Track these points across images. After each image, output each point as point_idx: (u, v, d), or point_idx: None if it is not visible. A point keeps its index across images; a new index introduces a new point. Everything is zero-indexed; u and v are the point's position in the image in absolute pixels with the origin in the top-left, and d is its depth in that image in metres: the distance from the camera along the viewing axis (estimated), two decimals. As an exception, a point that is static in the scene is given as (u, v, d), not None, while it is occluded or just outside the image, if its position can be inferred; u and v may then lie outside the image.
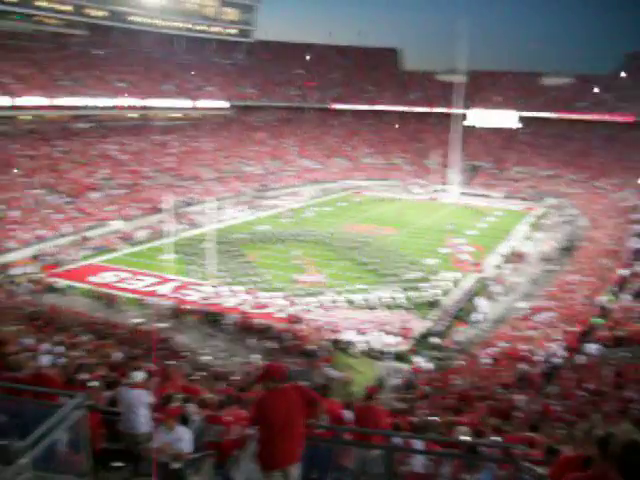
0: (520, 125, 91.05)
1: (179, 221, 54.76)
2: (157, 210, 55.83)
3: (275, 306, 36.17)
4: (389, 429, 8.61)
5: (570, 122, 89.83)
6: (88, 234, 49.58)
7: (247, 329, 32.42)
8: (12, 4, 72.13)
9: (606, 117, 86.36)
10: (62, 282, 39.80)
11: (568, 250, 49.98)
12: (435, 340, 31.32)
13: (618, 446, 3.54)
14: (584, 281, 36.69)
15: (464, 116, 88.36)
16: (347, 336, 31.66)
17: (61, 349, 16.56)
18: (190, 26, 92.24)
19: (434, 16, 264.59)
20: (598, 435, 3.71)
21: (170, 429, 7.80)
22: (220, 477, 8.35)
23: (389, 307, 36.39)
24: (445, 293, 39.00)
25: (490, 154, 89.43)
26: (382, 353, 30.22)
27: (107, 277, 41.49)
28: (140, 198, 59.12)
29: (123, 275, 41.93)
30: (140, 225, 53.92)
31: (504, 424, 11.72)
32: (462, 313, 35.79)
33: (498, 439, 9.39)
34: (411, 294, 38.28)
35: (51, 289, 38.76)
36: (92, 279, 40.83)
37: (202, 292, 38.60)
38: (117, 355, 18.62)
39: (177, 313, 35.12)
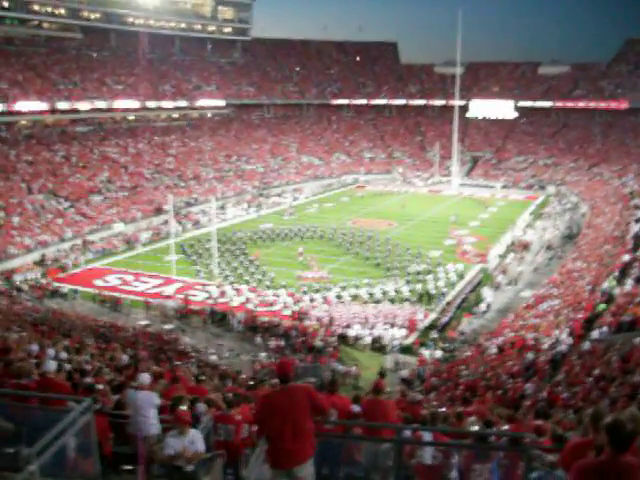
0: (516, 114, 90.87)
1: (181, 222, 54.80)
2: (159, 211, 55.87)
3: (280, 303, 36.19)
4: (398, 422, 8.61)
5: (569, 110, 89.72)
6: (90, 238, 49.60)
7: (253, 327, 32.45)
8: (7, 9, 71.98)
9: (604, 104, 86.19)
10: (66, 287, 39.83)
11: (570, 238, 49.95)
12: (435, 335, 31.28)
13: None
14: (587, 268, 36.65)
15: (465, 107, 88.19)
16: (353, 331, 31.68)
17: (67, 354, 16.55)
18: (186, 26, 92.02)
19: (431, 8, 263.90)
20: (607, 421, 3.71)
21: (183, 433, 7.79)
22: (231, 477, 8.36)
23: (394, 300, 36.38)
24: (450, 284, 38.98)
25: (490, 144, 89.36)
26: (388, 346, 30.26)
27: (111, 280, 41.53)
28: (141, 200, 59.14)
29: (127, 278, 41.95)
30: (142, 227, 53.94)
31: (513, 413, 11.71)
32: (467, 304, 35.81)
33: (507, 428, 9.38)
34: (416, 287, 38.27)
35: (55, 294, 38.82)
36: (96, 282, 40.86)
37: (207, 292, 38.61)
38: (123, 358, 18.63)
39: (182, 314, 35.17)
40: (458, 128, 79.42)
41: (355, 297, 36.97)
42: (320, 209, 64.06)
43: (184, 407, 8.98)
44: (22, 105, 64.28)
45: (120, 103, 74.41)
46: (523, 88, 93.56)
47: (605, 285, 29.19)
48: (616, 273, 30.83)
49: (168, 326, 32.81)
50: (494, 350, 24.90)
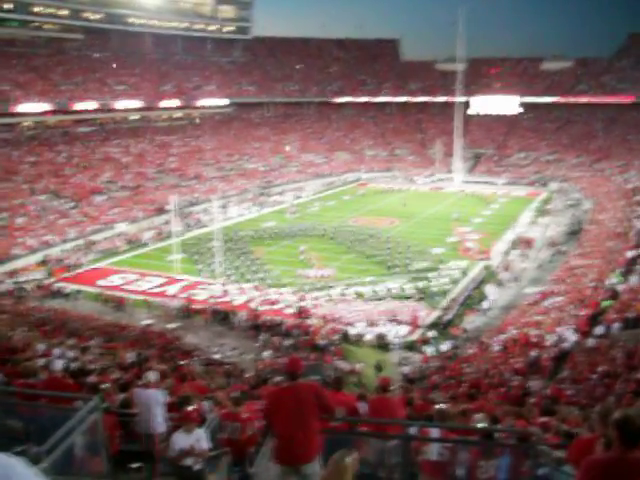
0: (521, 110, 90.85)
1: (184, 221, 54.83)
2: (162, 211, 55.91)
3: (284, 302, 36.21)
4: (404, 419, 8.63)
5: (571, 106, 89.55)
6: (94, 238, 49.65)
7: (257, 326, 32.48)
8: (9, 11, 72.15)
9: (607, 99, 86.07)
10: (70, 286, 39.88)
11: (574, 234, 49.89)
12: (434, 334, 31.21)
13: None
14: (591, 264, 36.63)
15: (466, 104, 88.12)
16: (357, 328, 31.70)
17: (73, 353, 16.60)
18: (187, 25, 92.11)
19: (432, 4, 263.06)
20: (616, 417, 3.72)
21: (189, 431, 7.82)
22: (238, 474, 8.38)
23: (398, 298, 36.40)
24: (453, 282, 38.99)
25: (492, 141, 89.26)
26: (392, 344, 30.26)
27: (115, 280, 41.57)
28: (144, 199, 59.19)
29: (131, 277, 42.00)
30: (145, 226, 54.00)
31: (518, 410, 11.72)
32: (471, 301, 35.80)
33: (513, 425, 9.39)
34: (419, 284, 38.29)
35: (59, 294, 38.87)
36: (100, 282, 40.92)
37: (211, 291, 38.66)
38: (129, 357, 18.67)
39: (186, 313, 35.21)
40: (460, 125, 79.39)
41: (358, 295, 37.00)
42: (322, 207, 64.07)
43: (191, 406, 9.02)
44: (24, 106, 64.45)
45: (122, 103, 74.53)
46: (525, 84, 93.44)
47: (609, 281, 29.19)
48: (620, 269, 30.83)
49: (171, 325, 32.85)
50: (498, 347, 24.90)
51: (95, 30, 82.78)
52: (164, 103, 79.72)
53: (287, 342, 30.07)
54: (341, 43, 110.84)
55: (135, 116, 78.26)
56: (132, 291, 39.11)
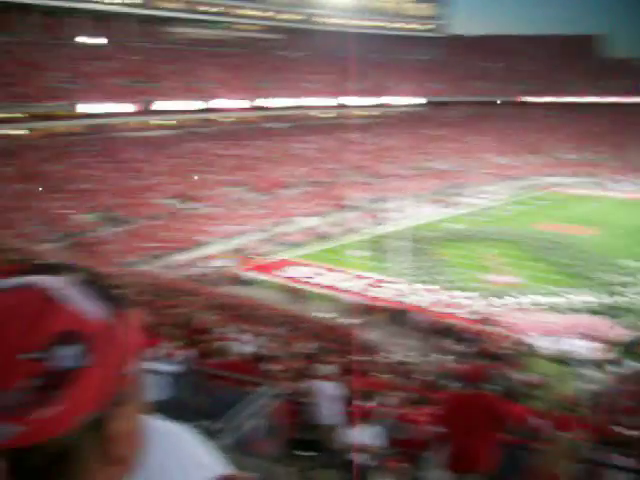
0: None
1: (371, 218, 55.37)
2: (350, 207, 56.84)
3: (466, 307, 35.46)
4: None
5: None
6: (282, 230, 51.50)
7: (437, 329, 32.07)
8: (216, 14, 77.28)
9: None
10: (257, 275, 41.65)
11: None
12: (622, 353, 28.95)
13: None
14: None
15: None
16: (539, 341, 30.33)
17: (258, 340, 17.27)
18: (384, 24, 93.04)
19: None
20: None
21: (364, 427, 7.81)
22: (407, 477, 8.23)
23: (586, 312, 34.33)
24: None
25: None
26: (576, 360, 28.62)
27: (299, 272, 42.78)
28: (333, 195, 60.44)
29: (315, 270, 43.02)
30: (333, 222, 55.13)
31: None
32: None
33: None
34: (611, 299, 35.86)
35: (246, 282, 40.75)
36: (285, 273, 42.25)
37: (393, 290, 38.67)
38: (309, 348, 19.11)
39: (367, 310, 35.48)
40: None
41: (544, 305, 35.38)
42: (513, 212, 61.95)
43: (367, 401, 9.01)
44: (224, 103, 68.42)
45: (316, 101, 76.77)
46: None
47: None
48: None
49: (351, 321, 33.24)
50: None
51: (293, 30, 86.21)
52: (357, 101, 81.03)
53: (466, 348, 29.43)
54: (538, 40, 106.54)
55: (329, 114, 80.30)
56: (315, 284, 40.02)
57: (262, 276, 41.49)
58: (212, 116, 68.89)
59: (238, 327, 18.27)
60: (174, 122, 66.43)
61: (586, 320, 32.95)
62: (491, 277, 40.29)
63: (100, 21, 68.34)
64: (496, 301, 35.86)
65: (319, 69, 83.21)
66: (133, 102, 60.94)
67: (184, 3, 73.97)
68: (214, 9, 76.68)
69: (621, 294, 36.37)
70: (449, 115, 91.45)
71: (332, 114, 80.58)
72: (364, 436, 7.73)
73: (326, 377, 9.40)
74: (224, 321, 18.91)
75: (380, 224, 55.38)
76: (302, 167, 65.19)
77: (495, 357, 27.80)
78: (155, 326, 11.22)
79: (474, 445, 5.50)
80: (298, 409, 9.40)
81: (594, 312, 34.11)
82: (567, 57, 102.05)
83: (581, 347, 29.28)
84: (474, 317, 33.64)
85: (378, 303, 35.95)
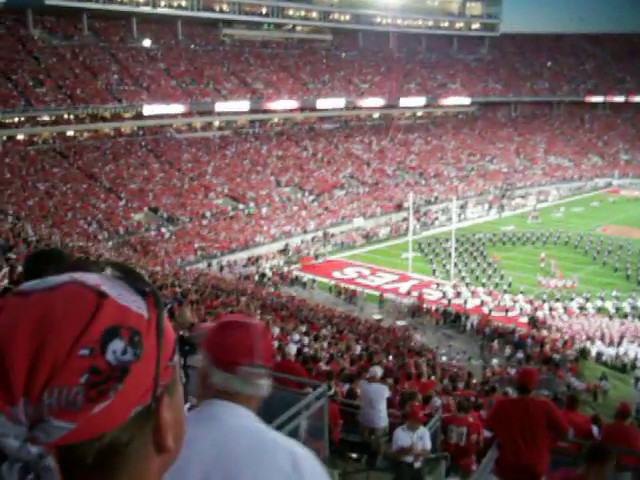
0: None
1: (421, 219, 55.07)
2: (399, 208, 56.63)
3: (518, 309, 34.96)
4: None
5: None
6: (332, 230, 51.60)
7: (486, 332, 31.68)
8: (264, 15, 77.96)
9: None
10: (305, 275, 41.83)
11: None
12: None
13: None
14: None
15: None
16: (595, 345, 29.70)
17: (306, 339, 17.34)
18: (433, 23, 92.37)
19: None
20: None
21: (413, 429, 7.76)
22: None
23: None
24: None
25: None
26: (632, 365, 27.92)
27: (349, 272, 42.80)
28: (383, 196, 60.31)
29: (364, 271, 42.99)
30: (382, 222, 55.01)
31: None
32: None
33: None
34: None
35: (296, 282, 40.97)
36: (334, 274, 42.34)
37: (442, 291, 38.40)
38: (357, 349, 19.09)
39: (416, 311, 35.31)
40: None
41: (600, 310, 34.59)
42: (567, 213, 60.76)
43: (416, 403, 8.95)
44: (275, 104, 68.87)
45: (366, 101, 76.70)
46: None
47: None
48: None
49: (401, 322, 33.12)
50: None
51: (342, 30, 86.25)
52: (407, 101, 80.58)
53: (518, 352, 28.99)
54: (597, 38, 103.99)
55: (378, 114, 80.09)
56: (365, 285, 40.02)
57: (312, 276, 41.62)
58: (262, 117, 69.45)
59: (285, 327, 18.37)
60: (225, 123, 67.11)
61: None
62: (544, 279, 39.63)
63: (151, 24, 69.52)
64: (549, 304, 35.23)
65: (369, 69, 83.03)
66: (184, 103, 61.84)
67: (234, 5, 74.71)
68: (262, 10, 77.32)
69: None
70: (500, 115, 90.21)
71: (382, 114, 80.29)
72: (414, 438, 7.68)
73: (374, 378, 9.37)
74: (272, 321, 19.02)
75: (430, 225, 55.03)
76: (351, 167, 65.17)
77: (548, 361, 27.34)
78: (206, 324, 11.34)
79: (523, 451, 5.41)
80: (345, 410, 9.41)
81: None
82: (623, 55, 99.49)
83: (637, 352, 28.58)
84: (526, 320, 33.13)
85: (428, 305, 35.69)
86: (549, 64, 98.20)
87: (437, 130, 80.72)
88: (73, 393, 0.69)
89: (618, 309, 34.40)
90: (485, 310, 34.77)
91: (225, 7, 74.20)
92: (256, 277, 40.52)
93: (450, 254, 42.02)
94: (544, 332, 31.21)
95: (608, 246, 46.57)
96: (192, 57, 69.72)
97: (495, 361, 27.73)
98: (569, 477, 4.84)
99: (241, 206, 52.31)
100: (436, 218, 56.77)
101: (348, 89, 77.06)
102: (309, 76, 76.34)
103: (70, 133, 56.54)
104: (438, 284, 40.02)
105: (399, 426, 7.95)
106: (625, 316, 33.65)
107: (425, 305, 35.66)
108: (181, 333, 9.80)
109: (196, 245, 44.72)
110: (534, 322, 32.64)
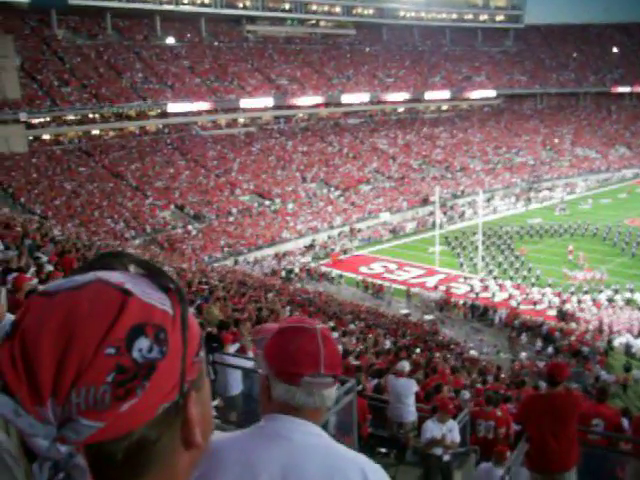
0: None
1: (447, 213, 54.81)
2: (426, 202, 56.39)
3: (546, 303, 34.65)
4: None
5: None
6: (357, 226, 51.53)
7: (515, 325, 31.47)
8: (288, 10, 78.05)
9: None
10: (332, 271, 41.82)
11: None
12: None
13: None
14: None
15: None
16: (624, 338, 29.35)
17: (335, 335, 17.33)
18: (457, 16, 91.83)
19: None
20: None
21: (443, 421, 7.74)
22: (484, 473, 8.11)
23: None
24: None
25: None
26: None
27: (376, 267, 42.72)
28: (408, 190, 60.09)
29: (390, 266, 42.88)
30: (408, 217, 54.83)
31: None
32: None
33: None
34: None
35: (322, 277, 40.99)
36: (361, 269, 42.27)
37: (470, 285, 38.20)
38: (385, 344, 19.08)
39: (444, 305, 35.17)
40: None
41: (629, 302, 34.16)
42: (594, 205, 60.04)
43: (444, 397, 8.91)
44: (300, 100, 68.95)
45: (390, 95, 76.43)
46: None
47: None
48: None
49: (428, 317, 33.01)
50: None
51: (366, 25, 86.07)
52: (432, 95, 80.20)
53: (547, 345, 28.76)
54: (624, 28, 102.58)
55: (403, 108, 79.77)
56: (392, 280, 39.92)
57: (339, 271, 41.63)
58: (287, 113, 69.56)
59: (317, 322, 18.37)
60: (249, 120, 67.31)
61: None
62: (572, 272, 39.23)
63: (174, 21, 69.88)
64: (577, 297, 34.87)
65: (393, 63, 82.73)
66: (209, 101, 62.13)
67: (257, 1, 74.87)
68: (286, 5, 77.44)
69: None
70: (526, 107, 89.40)
71: (407, 108, 79.97)
72: (443, 430, 7.66)
73: (402, 373, 9.34)
74: (302, 316, 19.05)
75: (457, 219, 54.73)
76: (377, 162, 65.03)
77: (578, 354, 27.09)
78: (234, 321, 11.39)
79: (552, 444, 5.39)
80: (374, 405, 9.39)
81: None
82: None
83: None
84: (554, 313, 32.83)
85: (456, 299, 35.53)
86: (575, 55, 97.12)
87: (463, 123, 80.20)
88: (100, 392, 0.70)
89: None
90: (513, 304, 34.53)
91: (248, 3, 74.35)
92: (283, 273, 40.61)
93: (477, 248, 41.77)
94: (573, 325, 30.92)
95: (637, 237, 45.95)
96: (216, 54, 70.02)
97: (524, 354, 27.54)
98: None
99: (267, 202, 52.43)
100: (463, 212, 56.44)
101: (372, 83, 76.86)
102: (333, 71, 76.30)
103: (95, 132, 57.07)
104: (465, 278, 39.83)
105: (429, 420, 7.93)
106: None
107: (452, 299, 35.50)
108: (209, 330, 9.86)
109: (222, 242, 44.90)
110: (562, 315, 32.34)
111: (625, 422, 7.86)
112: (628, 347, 28.61)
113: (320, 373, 1.51)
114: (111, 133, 57.98)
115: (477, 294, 36.48)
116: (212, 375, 7.83)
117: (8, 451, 0.91)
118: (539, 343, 29.02)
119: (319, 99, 70.43)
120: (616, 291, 35.34)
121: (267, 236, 47.11)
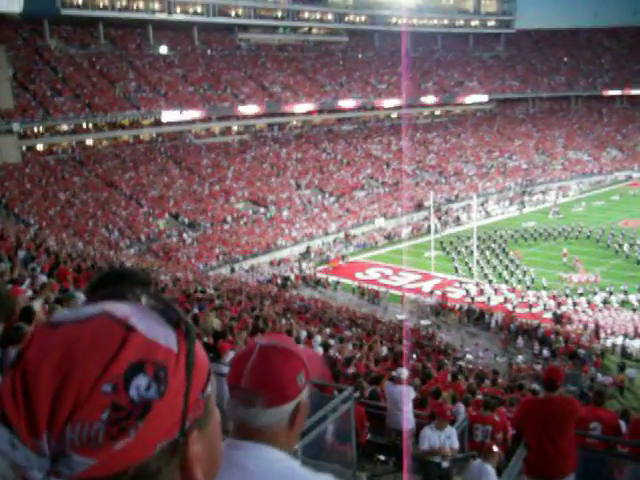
0: None
1: (442, 218, 54.89)
2: (420, 207, 56.47)
3: (541, 306, 34.73)
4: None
5: None
6: (353, 232, 51.56)
7: (511, 329, 31.52)
8: (280, 18, 78.26)
9: None
10: (328, 277, 41.82)
11: None
12: None
13: None
14: None
15: None
16: (620, 339, 29.44)
17: (331, 342, 17.32)
18: (448, 22, 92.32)
19: None
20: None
21: (440, 428, 7.74)
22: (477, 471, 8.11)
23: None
24: None
25: None
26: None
27: (372, 273, 42.74)
28: (403, 196, 60.15)
29: (386, 272, 42.93)
30: (403, 222, 54.88)
31: None
32: None
33: None
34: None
35: (318, 284, 40.98)
36: (356, 275, 42.29)
37: (465, 290, 38.26)
38: (381, 350, 19.05)
39: (440, 310, 35.20)
40: None
41: (624, 303, 34.28)
42: (588, 208, 60.26)
43: (442, 403, 8.93)
44: (293, 107, 69.08)
45: (383, 102, 76.63)
46: None
47: None
48: None
49: (425, 322, 33.03)
50: None
51: (358, 32, 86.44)
52: (425, 100, 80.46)
53: (543, 348, 28.82)
54: (613, 32, 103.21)
55: (396, 114, 79.94)
56: (388, 285, 39.94)
57: (335, 277, 41.64)
58: (281, 120, 69.64)
59: (309, 330, 18.37)
60: (243, 127, 67.34)
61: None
62: (566, 275, 39.34)
63: (167, 31, 69.95)
64: (572, 299, 34.97)
65: (386, 70, 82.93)
66: (202, 109, 62.17)
67: (249, 9, 75.01)
68: (278, 13, 77.68)
69: None
70: (518, 111, 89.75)
71: (400, 114, 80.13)
72: (442, 437, 7.66)
73: (399, 380, 9.35)
74: (297, 324, 19.03)
75: (452, 223, 54.83)
76: (371, 168, 65.12)
77: (574, 356, 27.17)
78: (231, 330, 11.39)
79: (550, 450, 5.40)
80: (371, 412, 9.39)
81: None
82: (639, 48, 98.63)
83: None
84: (550, 316, 32.91)
85: (452, 303, 35.57)
86: (565, 59, 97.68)
87: (455, 128, 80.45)
88: (94, 429, 0.68)
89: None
90: (509, 307, 34.60)
91: (241, 12, 74.52)
92: (279, 280, 40.59)
93: (472, 252, 41.85)
94: (568, 327, 31.01)
95: (630, 239, 46.16)
96: (209, 62, 70.13)
97: (520, 357, 27.59)
98: None
99: (262, 210, 52.44)
100: (457, 217, 56.55)
101: (365, 90, 77.07)
102: (326, 78, 76.47)
103: (89, 142, 57.03)
104: (461, 282, 39.89)
105: (427, 427, 7.94)
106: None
107: (448, 304, 35.54)
108: (205, 340, 9.86)
109: (217, 250, 44.88)
110: (557, 318, 32.42)
111: (623, 425, 7.88)
112: (624, 348, 28.70)
113: (242, 387, 1.42)
114: (105, 142, 57.93)
115: (473, 298, 36.54)
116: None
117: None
118: (536, 346, 29.08)
119: (312, 106, 70.58)
120: (610, 293, 35.46)
121: (262, 243, 47.11)
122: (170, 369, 0.73)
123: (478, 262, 41.54)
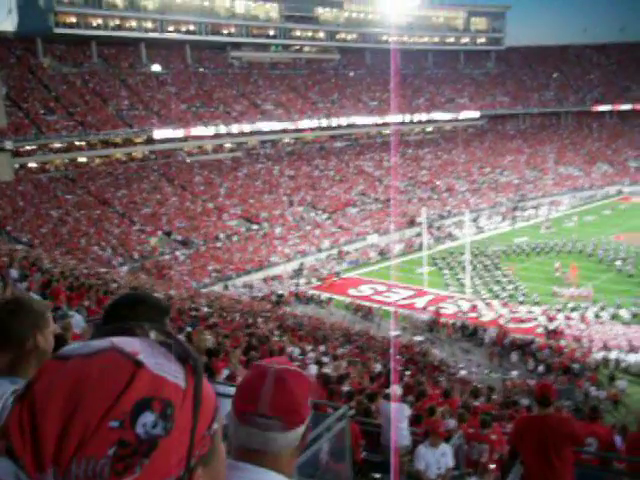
0: None
1: (434, 234, 54.97)
2: (413, 223, 56.57)
3: (534, 320, 34.76)
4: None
5: None
6: (345, 248, 51.57)
7: (504, 344, 31.51)
8: (272, 37, 78.80)
9: None
10: (321, 294, 41.77)
11: None
12: None
13: None
14: None
15: None
16: (613, 354, 29.47)
17: (325, 359, 17.28)
18: (439, 40, 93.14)
19: None
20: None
21: (435, 445, 7.72)
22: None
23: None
24: None
25: None
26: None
27: (365, 290, 42.72)
28: (396, 212, 60.27)
29: (380, 288, 42.92)
30: (396, 239, 54.91)
31: None
32: None
33: None
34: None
35: (311, 301, 40.93)
36: (350, 292, 42.26)
37: (458, 305, 38.27)
38: (376, 367, 19.02)
39: (433, 326, 35.18)
40: None
41: (616, 317, 34.36)
42: (579, 222, 60.48)
43: (436, 420, 8.91)
44: (285, 124, 69.36)
45: (375, 119, 77.02)
46: None
47: None
48: None
49: (418, 338, 33.01)
50: None
51: (350, 50, 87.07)
52: (416, 117, 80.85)
53: (537, 363, 28.81)
54: (602, 48, 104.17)
55: (388, 130, 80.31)
56: (381, 302, 39.93)
57: (328, 294, 41.59)
58: (273, 137, 69.86)
59: (303, 347, 18.34)
60: (236, 145, 67.49)
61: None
62: (559, 289, 39.41)
63: (160, 49, 70.22)
64: (565, 314, 35.03)
65: (377, 87, 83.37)
66: (195, 127, 62.31)
67: (241, 27, 75.47)
68: (270, 32, 78.24)
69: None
70: (509, 127, 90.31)
71: (391, 131, 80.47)
72: (436, 455, 7.65)
73: (393, 397, 9.34)
74: (290, 341, 19.00)
75: (444, 239, 54.92)
76: (363, 185, 65.29)
77: (568, 371, 27.15)
78: (224, 348, 11.36)
79: (548, 468, 5.39)
80: (366, 430, 9.37)
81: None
82: (628, 64, 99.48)
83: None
84: (543, 331, 32.93)
85: (445, 319, 35.56)
86: (555, 75, 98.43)
87: (447, 145, 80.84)
88: (100, 465, 0.68)
89: (635, 316, 34.14)
90: (502, 322, 34.62)
91: (233, 30, 74.93)
92: (273, 297, 40.53)
93: (464, 267, 41.91)
94: (562, 342, 31.03)
95: (621, 253, 46.34)
96: (201, 80, 70.40)
97: (515, 373, 27.57)
98: None
99: (255, 227, 52.46)
100: (450, 232, 56.66)
101: (357, 107, 77.43)
102: (318, 95, 76.86)
103: (82, 160, 57.08)
104: (454, 298, 39.91)
105: (422, 444, 7.93)
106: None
107: (442, 320, 35.53)
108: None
109: (210, 267, 44.82)
110: (549, 333, 32.45)
111: (618, 440, 7.88)
112: (618, 363, 28.72)
113: (259, 412, 1.39)
114: (97, 160, 57.96)
115: (465, 314, 36.55)
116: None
117: None
118: (530, 361, 29.08)
119: (304, 123, 70.87)
120: (602, 308, 35.54)
121: (255, 260, 47.08)
122: (177, 406, 0.73)
123: (471, 277, 41.59)
